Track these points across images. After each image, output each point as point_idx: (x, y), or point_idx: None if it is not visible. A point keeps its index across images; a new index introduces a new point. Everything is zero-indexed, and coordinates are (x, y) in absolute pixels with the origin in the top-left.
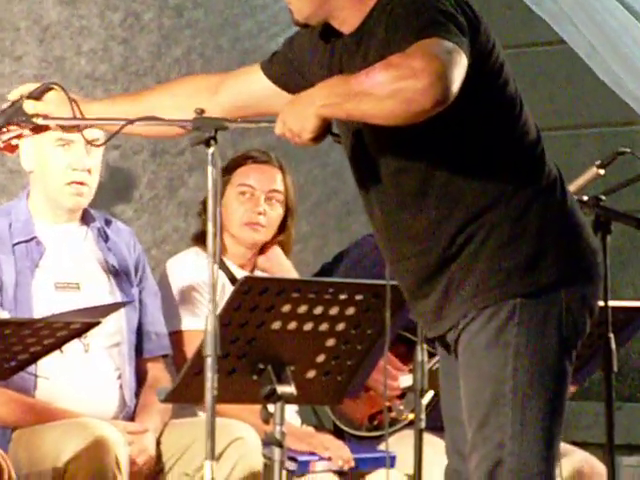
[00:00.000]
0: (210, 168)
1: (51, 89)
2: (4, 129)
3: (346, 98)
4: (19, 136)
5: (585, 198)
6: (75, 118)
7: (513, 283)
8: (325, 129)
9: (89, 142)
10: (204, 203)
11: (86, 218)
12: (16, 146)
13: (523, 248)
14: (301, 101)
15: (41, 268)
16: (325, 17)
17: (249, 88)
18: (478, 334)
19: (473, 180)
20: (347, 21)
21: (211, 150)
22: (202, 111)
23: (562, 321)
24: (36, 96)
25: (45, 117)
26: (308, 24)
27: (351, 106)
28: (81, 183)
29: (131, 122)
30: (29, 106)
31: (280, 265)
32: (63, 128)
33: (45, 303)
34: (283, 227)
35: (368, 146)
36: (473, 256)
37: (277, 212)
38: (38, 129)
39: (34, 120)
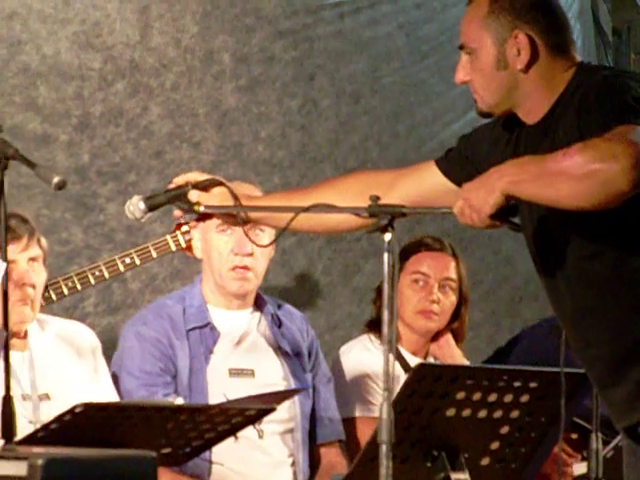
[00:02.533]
0: (386, 255)
1: (218, 184)
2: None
3: (538, 176)
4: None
5: None
6: (237, 206)
7: None
8: (504, 210)
9: (244, 226)
10: (378, 290)
11: (259, 303)
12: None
13: None
14: (488, 175)
15: (215, 354)
16: (510, 107)
17: (422, 185)
18: None
19: None
20: (533, 110)
21: (388, 237)
22: (377, 198)
23: None
24: (202, 187)
25: (206, 206)
26: (492, 114)
27: (542, 184)
28: (244, 267)
29: (303, 210)
30: (193, 195)
31: (452, 353)
32: (226, 221)
33: (219, 389)
34: (456, 315)
35: (555, 233)
36: None
37: (450, 300)
38: (200, 218)
39: (195, 208)
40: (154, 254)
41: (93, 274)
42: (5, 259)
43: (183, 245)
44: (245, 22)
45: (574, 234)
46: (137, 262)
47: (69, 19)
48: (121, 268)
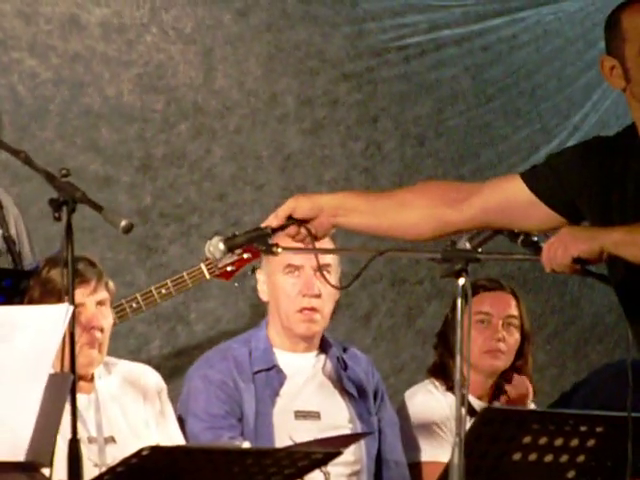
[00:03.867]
0: (460, 300)
1: (292, 224)
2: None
3: None
4: (235, 263)
5: None
6: (312, 249)
7: None
8: (588, 262)
9: (319, 268)
10: (440, 335)
11: (324, 346)
12: (231, 273)
13: None
14: (598, 229)
15: (282, 397)
16: None
17: (504, 195)
18: None
19: None
20: None
21: (461, 282)
22: (453, 243)
23: None
24: (281, 229)
25: (284, 248)
26: None
27: None
28: (312, 309)
29: (379, 254)
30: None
31: (527, 392)
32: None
33: (285, 432)
34: (520, 353)
35: None
36: None
37: (514, 337)
38: (262, 253)
39: (273, 250)
40: (189, 283)
41: (130, 306)
42: (72, 302)
43: (217, 272)
44: (309, 65)
45: None
46: (173, 292)
47: (132, 61)
48: (157, 299)
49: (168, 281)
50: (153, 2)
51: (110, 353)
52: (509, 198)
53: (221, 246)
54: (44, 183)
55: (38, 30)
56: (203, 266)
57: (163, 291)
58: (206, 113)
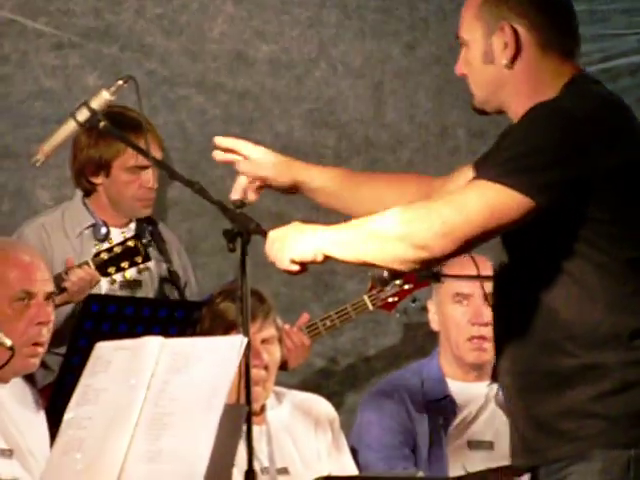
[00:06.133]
0: None
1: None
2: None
3: (351, 240)
4: (397, 294)
5: None
6: (477, 277)
7: (624, 432)
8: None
9: (485, 297)
10: None
11: (496, 375)
12: (393, 304)
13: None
14: (318, 228)
15: (455, 427)
16: (499, 105)
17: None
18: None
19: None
20: (518, 113)
21: None
22: None
23: None
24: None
25: (446, 275)
26: (484, 111)
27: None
28: (482, 338)
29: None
30: None
31: None
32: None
33: (459, 462)
34: None
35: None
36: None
37: None
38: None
39: (435, 280)
40: (352, 314)
41: None
42: (247, 334)
43: (379, 304)
44: None
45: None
46: (337, 323)
47: (302, 97)
48: (322, 331)
49: (332, 313)
50: (321, 37)
51: (289, 388)
52: None
53: (385, 273)
54: (215, 219)
55: (205, 67)
56: (366, 297)
57: (328, 323)
58: (378, 147)
